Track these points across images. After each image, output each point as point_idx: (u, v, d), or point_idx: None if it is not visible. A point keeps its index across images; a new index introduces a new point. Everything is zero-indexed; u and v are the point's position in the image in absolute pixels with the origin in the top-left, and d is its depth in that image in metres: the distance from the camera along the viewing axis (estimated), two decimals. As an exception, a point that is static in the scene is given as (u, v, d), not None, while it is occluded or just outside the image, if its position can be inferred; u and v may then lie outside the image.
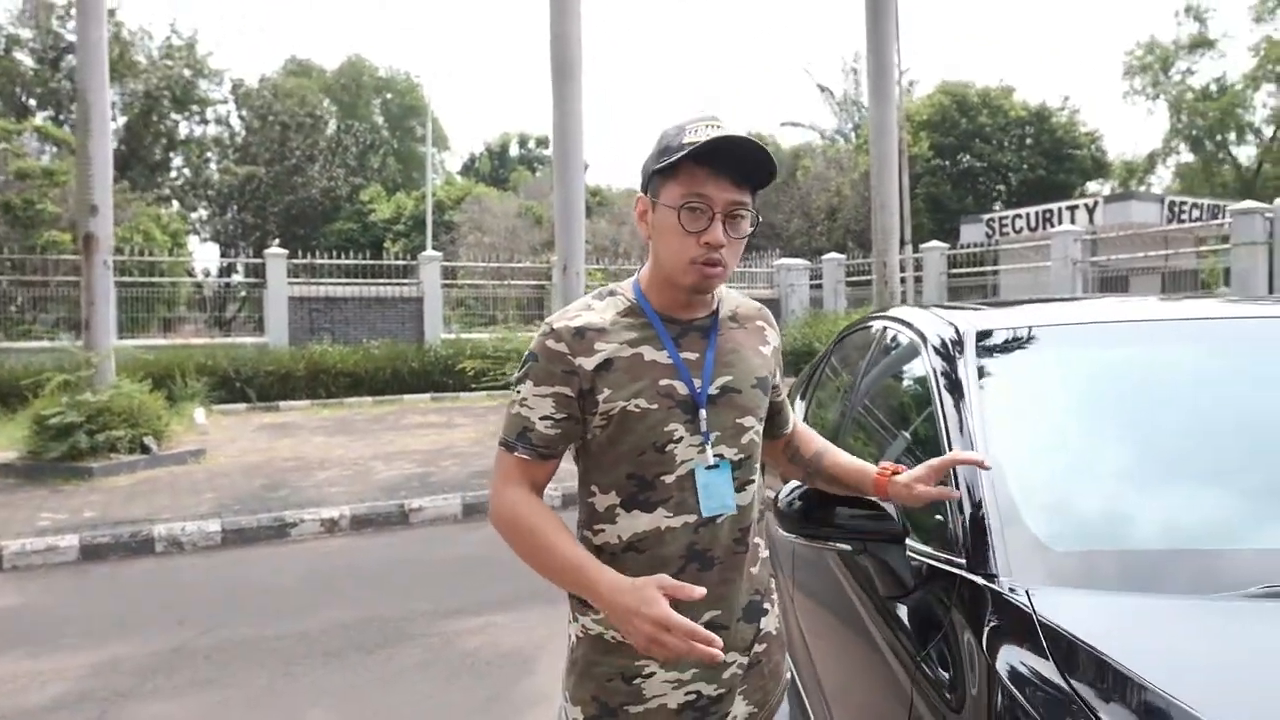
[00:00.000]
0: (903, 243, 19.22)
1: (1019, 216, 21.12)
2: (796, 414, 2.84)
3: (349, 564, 5.73)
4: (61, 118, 25.69)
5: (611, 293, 1.51)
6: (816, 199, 25.77)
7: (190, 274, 20.81)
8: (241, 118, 31.94)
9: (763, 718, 1.55)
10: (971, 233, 21.43)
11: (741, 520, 1.48)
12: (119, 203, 18.30)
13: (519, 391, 1.45)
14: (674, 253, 1.42)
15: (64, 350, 10.03)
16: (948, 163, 26.34)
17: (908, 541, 1.77)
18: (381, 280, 17.55)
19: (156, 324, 16.41)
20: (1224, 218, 16.36)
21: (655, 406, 1.41)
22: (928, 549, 1.76)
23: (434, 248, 21.62)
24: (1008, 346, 2.21)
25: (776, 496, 1.92)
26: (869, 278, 20.00)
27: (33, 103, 27.09)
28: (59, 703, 3.64)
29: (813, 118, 34.34)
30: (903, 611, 1.77)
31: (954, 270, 17.63)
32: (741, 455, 1.49)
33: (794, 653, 2.69)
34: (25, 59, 27.14)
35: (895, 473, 1.64)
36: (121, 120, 27.08)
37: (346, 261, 17.46)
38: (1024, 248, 17.43)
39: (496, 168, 40.15)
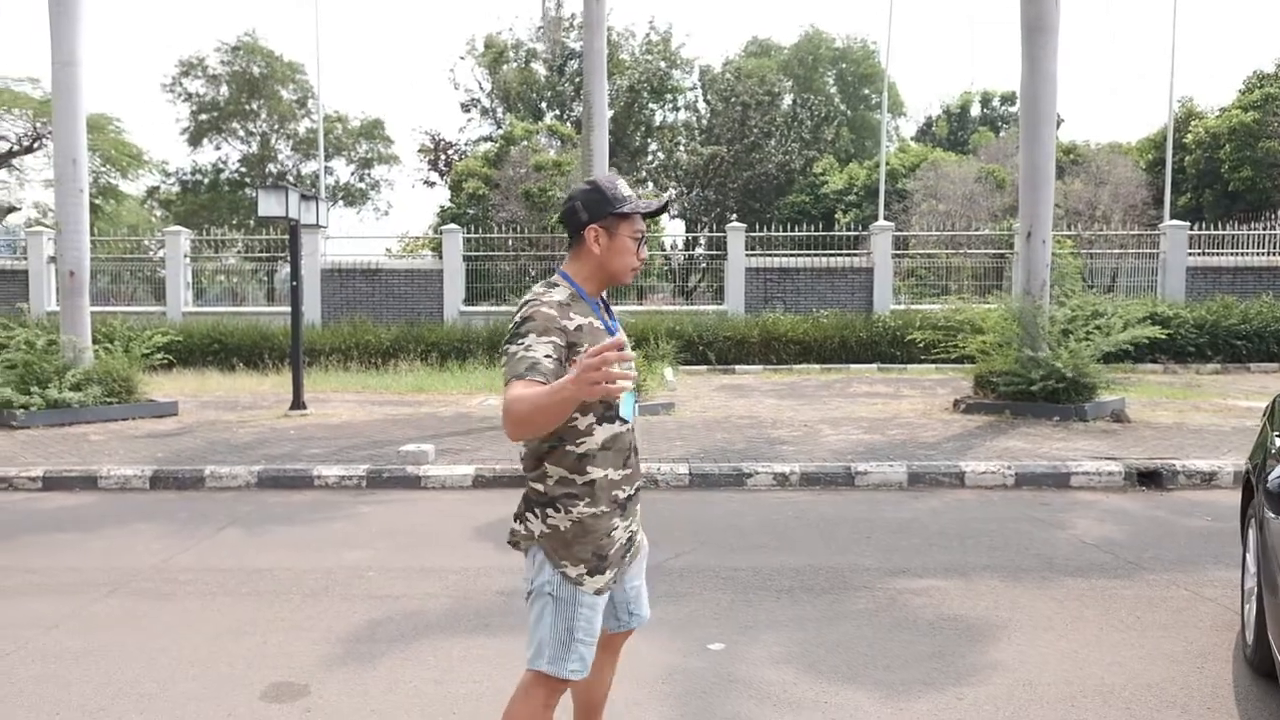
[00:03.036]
0: None
1: None
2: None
3: (798, 516, 6.12)
4: (564, 116, 30.13)
5: (554, 284, 2.21)
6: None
7: (660, 248, 23.21)
8: (707, 101, 34.56)
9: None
10: None
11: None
12: (609, 187, 21.11)
13: (521, 344, 2.06)
14: (624, 264, 2.25)
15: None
16: None
17: None
18: (831, 251, 17.96)
19: (633, 292, 18.67)
20: None
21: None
22: None
23: (886, 217, 21.43)
24: None
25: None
26: None
27: (543, 105, 32.16)
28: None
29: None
30: None
31: None
32: (635, 387, 2.31)
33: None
34: (539, 68, 32.32)
35: None
36: (609, 113, 30.97)
37: (798, 234, 18.16)
38: None
39: (955, 130, 38.28)
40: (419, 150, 32.42)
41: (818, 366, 15.14)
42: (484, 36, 32.74)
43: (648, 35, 32.66)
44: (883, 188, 23.93)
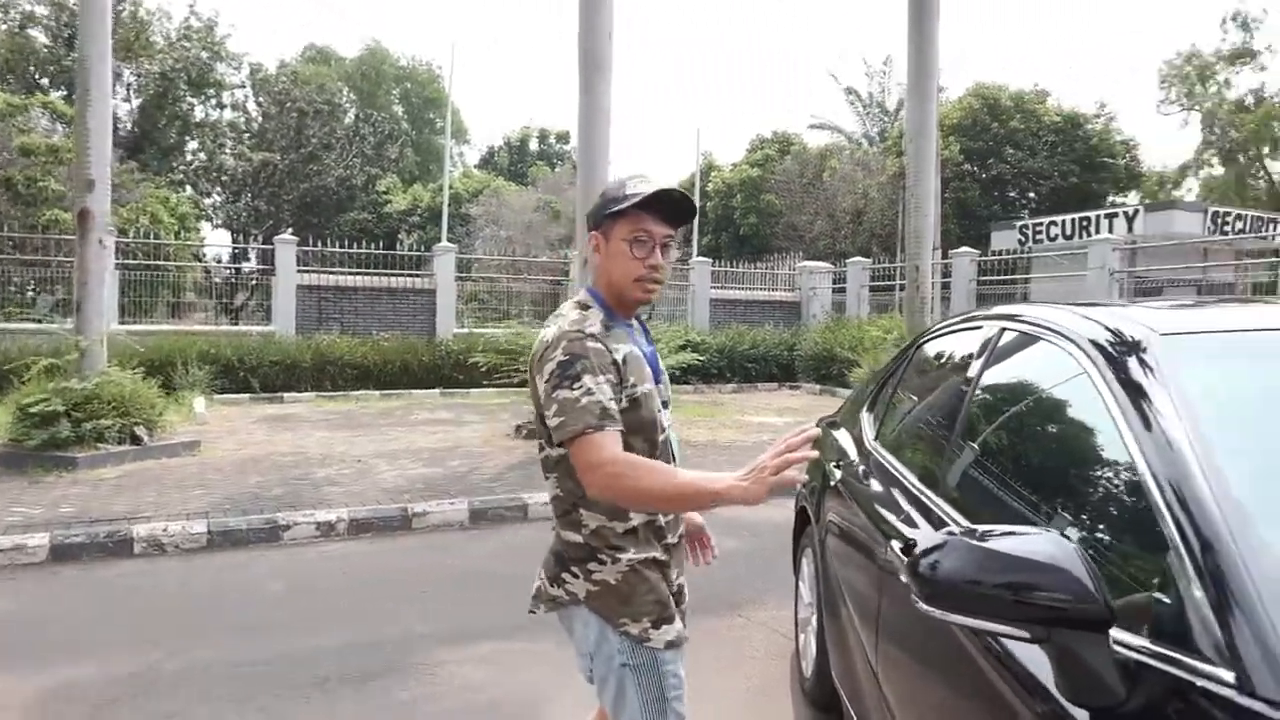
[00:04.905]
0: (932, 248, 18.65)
1: (1054, 224, 20.47)
2: (866, 429, 2.97)
3: (344, 574, 5.22)
4: (74, 96, 25.39)
5: (585, 306, 1.90)
6: (842, 201, 25.19)
7: (199, 259, 20.36)
8: (259, 103, 31.60)
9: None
10: (1004, 239, 20.82)
11: None
12: (127, 184, 17.88)
13: (581, 385, 1.74)
14: (624, 273, 1.87)
15: (58, 333, 9.59)
16: (977, 168, 25.69)
17: (1112, 632, 1.24)
18: (394, 271, 17.08)
19: (163, 309, 15.99)
20: (1270, 230, 15.73)
21: (650, 388, 1.89)
22: (1149, 644, 1.22)
23: (449, 240, 21.13)
24: (1214, 356, 1.66)
25: (912, 554, 1.39)
26: (892, 283, 19.46)
27: (45, 81, 26.77)
28: (-7, 739, 3.13)
29: (837, 119, 33.80)
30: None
31: (984, 278, 17.04)
32: (671, 422, 2.01)
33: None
34: (40, 35, 26.85)
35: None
36: (136, 102, 26.73)
37: (358, 250, 17.00)
38: (1058, 255, 16.82)
39: (515, 162, 39.71)
40: None
41: (378, 393, 14.14)
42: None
43: (187, 19, 28.88)
44: (446, 211, 23.64)
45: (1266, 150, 31.59)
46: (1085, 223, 19.48)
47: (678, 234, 1.92)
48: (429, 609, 4.56)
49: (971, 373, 2.30)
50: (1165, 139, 64.74)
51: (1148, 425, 1.45)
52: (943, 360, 2.71)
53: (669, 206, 1.86)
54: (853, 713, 2.66)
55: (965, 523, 1.94)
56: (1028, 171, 25.51)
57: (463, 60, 71.51)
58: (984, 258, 17.25)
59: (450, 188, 26.15)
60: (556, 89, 59.68)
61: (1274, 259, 13.54)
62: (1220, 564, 1.16)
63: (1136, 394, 1.53)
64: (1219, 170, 32.58)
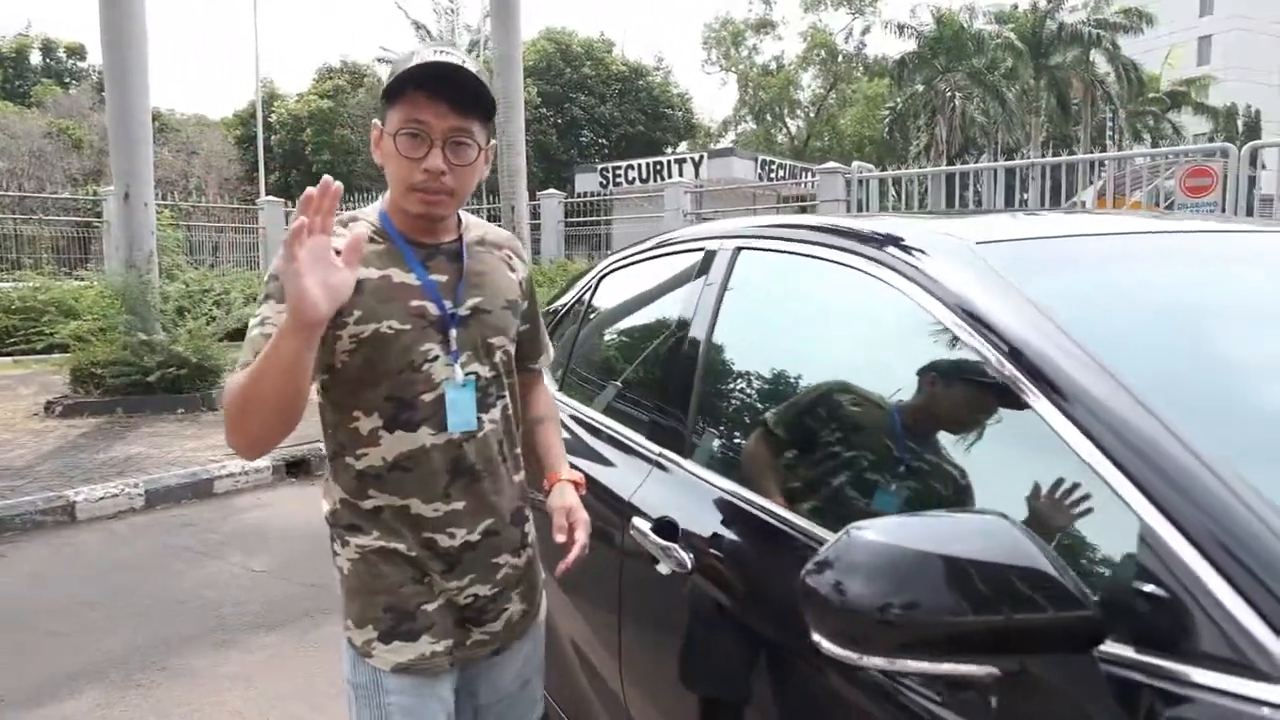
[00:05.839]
0: (517, 189, 18.68)
1: (631, 167, 21.72)
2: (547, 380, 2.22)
3: None
4: None
5: (353, 219, 1.49)
6: (422, 139, 24.28)
7: None
8: None
9: (531, 616, 1.63)
10: (586, 182, 21.61)
11: (502, 433, 1.54)
12: None
13: (260, 313, 1.37)
14: (398, 179, 1.43)
15: None
16: (553, 113, 26.32)
17: (1105, 646, 0.89)
18: None
19: None
20: (802, 177, 18.20)
21: (408, 327, 1.44)
22: (1161, 660, 0.88)
23: (-80, 169, 16.39)
24: (1039, 263, 1.41)
25: (805, 575, 0.93)
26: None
27: None
28: None
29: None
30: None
31: (571, 219, 17.48)
32: (494, 373, 1.53)
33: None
34: None
35: (555, 485, 1.65)
36: None
37: None
38: (638, 197, 17.82)
39: (12, 78, 32.28)
40: None
41: None
42: None
43: None
44: (-87, 131, 18.36)
45: (787, 110, 36.82)
46: (659, 167, 20.95)
47: (484, 129, 1.43)
48: (-72, 676, 3.21)
49: (705, 305, 1.90)
50: (712, 95, 72.66)
51: (1023, 346, 1.13)
52: (649, 293, 2.29)
53: (456, 88, 1.37)
54: None
55: (745, 493, 1.55)
56: (599, 118, 26.74)
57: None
58: (571, 199, 17.66)
59: (-83, 103, 20.33)
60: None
61: (805, 203, 15.58)
62: (1237, 526, 0.85)
63: (991, 309, 1.21)
64: (753, 126, 37.30)
